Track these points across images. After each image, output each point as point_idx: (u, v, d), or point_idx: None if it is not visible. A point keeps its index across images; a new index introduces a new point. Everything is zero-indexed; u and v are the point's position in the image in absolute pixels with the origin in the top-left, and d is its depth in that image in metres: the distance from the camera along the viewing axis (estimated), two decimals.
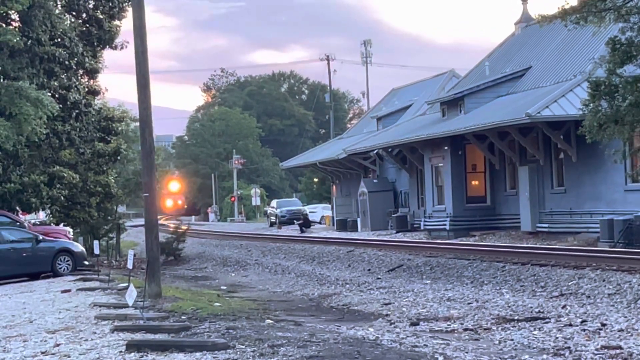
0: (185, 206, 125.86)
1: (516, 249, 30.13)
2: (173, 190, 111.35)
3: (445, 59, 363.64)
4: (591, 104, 25.08)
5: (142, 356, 12.48)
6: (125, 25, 44.49)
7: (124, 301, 17.58)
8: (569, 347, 14.12)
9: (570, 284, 21.57)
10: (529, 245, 33.52)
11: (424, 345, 13.70)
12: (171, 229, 53.73)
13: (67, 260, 32.72)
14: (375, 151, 56.17)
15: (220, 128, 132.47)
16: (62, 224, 43.14)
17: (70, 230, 41.98)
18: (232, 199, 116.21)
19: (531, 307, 19.29)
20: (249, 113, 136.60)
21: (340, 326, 16.75)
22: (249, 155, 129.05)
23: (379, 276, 29.19)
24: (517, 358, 12.64)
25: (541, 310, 18.71)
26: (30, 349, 14.44)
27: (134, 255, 19.80)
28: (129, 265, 19.99)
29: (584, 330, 15.91)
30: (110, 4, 44.00)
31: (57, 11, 41.88)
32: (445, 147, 44.49)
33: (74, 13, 44.14)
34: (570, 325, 16.53)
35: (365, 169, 60.87)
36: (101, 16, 44.06)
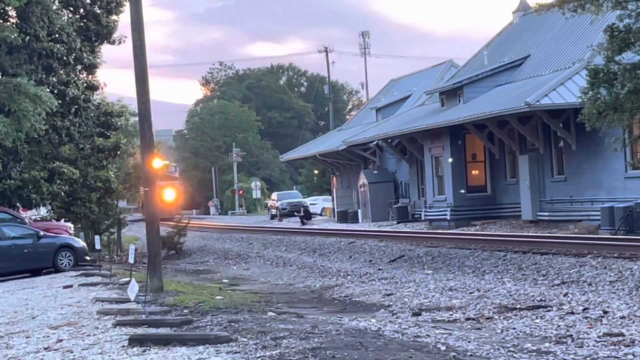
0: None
1: (517, 238, 30.12)
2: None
3: (443, 49, 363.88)
4: (590, 92, 25.08)
5: (144, 350, 12.47)
6: (123, 19, 44.37)
7: (126, 296, 17.58)
8: (571, 335, 14.12)
9: (571, 272, 21.57)
10: (529, 233, 33.52)
11: (427, 335, 13.70)
12: (172, 223, 53.69)
13: (69, 256, 32.75)
14: (374, 142, 56.17)
15: (219, 121, 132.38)
16: (62, 220, 43.13)
17: (71, 225, 41.97)
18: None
19: (533, 296, 19.28)
20: (248, 106, 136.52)
21: (342, 317, 16.74)
22: (249, 148, 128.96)
23: (381, 267, 29.19)
24: (520, 347, 12.63)
25: (543, 299, 18.71)
26: (33, 344, 14.46)
27: (136, 249, 19.78)
28: (131, 260, 19.99)
29: (586, 318, 15.91)
30: None
31: (54, 7, 41.84)
32: (445, 137, 44.47)
33: (71, 8, 44.09)
34: (572, 313, 16.53)
35: (365, 160, 60.85)
36: (98, 11, 44.00)
